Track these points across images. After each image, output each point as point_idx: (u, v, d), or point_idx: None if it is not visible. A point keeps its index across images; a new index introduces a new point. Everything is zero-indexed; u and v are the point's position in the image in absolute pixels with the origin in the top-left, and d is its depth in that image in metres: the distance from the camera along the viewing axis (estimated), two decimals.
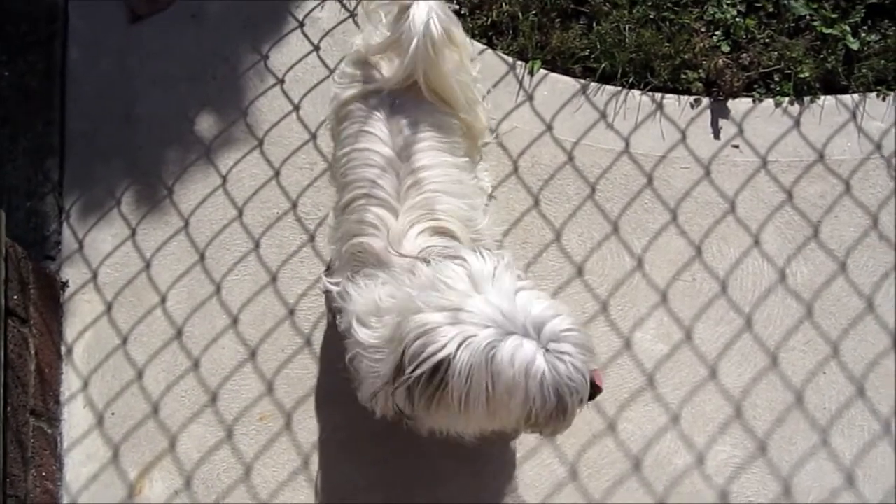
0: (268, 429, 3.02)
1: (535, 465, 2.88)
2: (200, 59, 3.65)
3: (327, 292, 3.01)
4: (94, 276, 3.32)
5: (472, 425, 2.19)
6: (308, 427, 3.00)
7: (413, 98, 2.46)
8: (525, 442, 2.90)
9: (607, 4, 3.47)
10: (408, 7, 2.36)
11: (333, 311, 2.53)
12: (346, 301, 2.31)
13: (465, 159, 2.55)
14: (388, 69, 2.50)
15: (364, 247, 2.34)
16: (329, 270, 3.04)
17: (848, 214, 3.12)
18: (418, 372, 1.93)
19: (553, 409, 1.94)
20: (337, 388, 2.93)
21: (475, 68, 2.72)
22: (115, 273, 3.32)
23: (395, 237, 2.29)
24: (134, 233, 3.37)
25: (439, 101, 2.49)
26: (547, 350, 1.89)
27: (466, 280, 1.97)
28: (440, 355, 1.90)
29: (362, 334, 2.19)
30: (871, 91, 3.30)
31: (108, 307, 3.27)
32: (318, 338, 3.10)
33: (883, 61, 3.31)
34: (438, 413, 2.06)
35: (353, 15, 3.57)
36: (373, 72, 2.51)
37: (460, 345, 1.88)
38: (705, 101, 3.33)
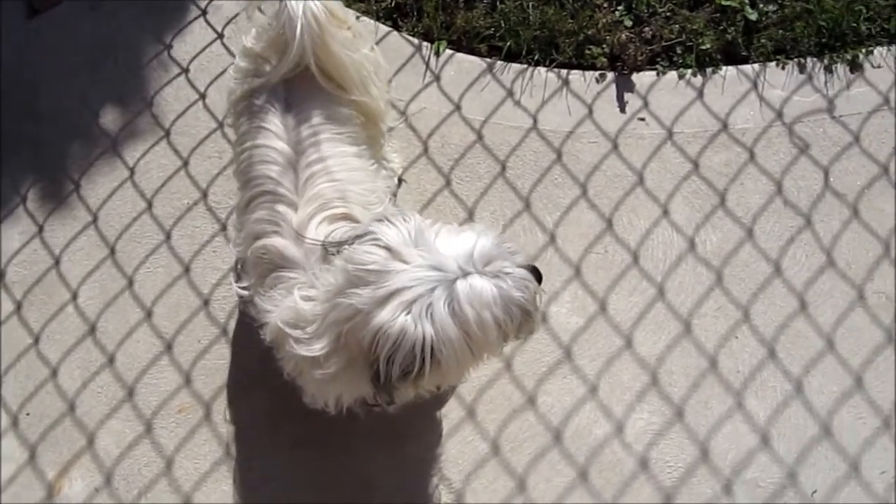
0: (187, 421, 2.99)
1: (458, 442, 2.89)
2: (102, 50, 3.60)
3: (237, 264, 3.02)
4: (2, 275, 3.26)
5: (462, 373, 2.23)
6: (227, 417, 2.98)
7: (307, 88, 2.44)
8: (448, 418, 2.92)
9: None
10: None
11: (248, 313, 2.52)
12: (265, 317, 2.30)
13: (363, 147, 2.53)
14: (278, 60, 2.46)
15: (267, 248, 2.33)
16: (237, 273, 3.03)
17: (753, 182, 3.17)
18: (410, 367, 1.95)
19: (520, 318, 2.02)
20: (255, 375, 2.93)
21: (367, 45, 2.67)
22: (24, 271, 3.26)
23: (296, 233, 2.29)
24: (41, 229, 3.31)
25: (332, 84, 2.47)
26: (487, 275, 1.94)
27: (388, 255, 1.97)
28: (418, 345, 1.92)
29: (299, 349, 2.17)
30: (771, 60, 3.36)
31: (18, 306, 3.21)
32: (233, 326, 3.08)
33: (781, 31, 3.37)
34: (431, 382, 2.13)
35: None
36: (265, 65, 2.49)
37: (425, 321, 1.91)
38: (610, 75, 3.37)
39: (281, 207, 2.33)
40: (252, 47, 2.54)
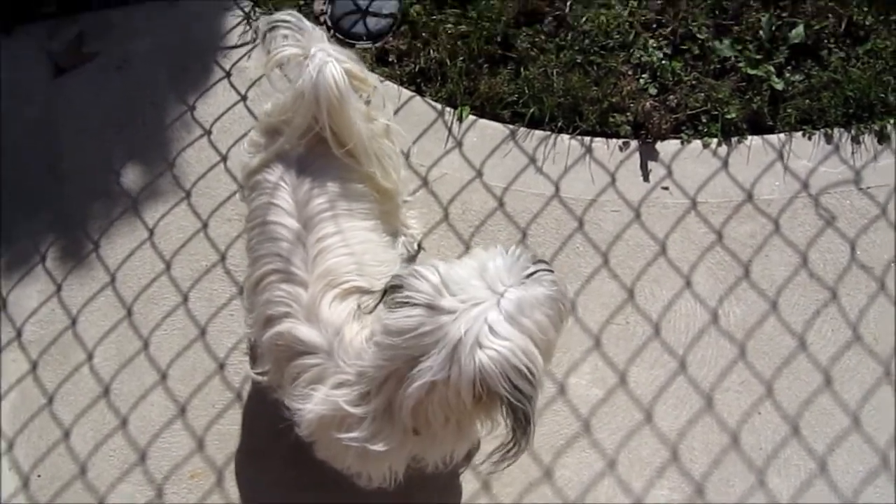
0: (199, 487, 2.95)
1: None
2: (126, 110, 3.62)
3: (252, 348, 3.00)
4: (19, 333, 3.25)
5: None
6: (240, 483, 2.94)
7: (320, 163, 2.43)
8: (464, 492, 2.86)
9: (534, 49, 3.48)
10: (306, 58, 2.37)
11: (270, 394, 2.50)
12: (298, 415, 2.24)
13: (376, 222, 2.51)
14: (292, 125, 2.45)
15: (282, 335, 2.29)
16: (252, 356, 3.03)
17: (778, 253, 3.13)
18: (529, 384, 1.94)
19: (560, 308, 2.04)
20: (269, 441, 2.88)
21: (385, 115, 2.68)
22: (41, 330, 3.25)
23: (310, 314, 2.26)
24: (59, 289, 3.30)
25: (345, 153, 2.45)
26: (518, 286, 1.95)
27: (430, 312, 1.94)
28: (516, 361, 1.91)
29: (353, 441, 2.14)
30: (797, 130, 3.33)
31: (34, 366, 3.19)
32: (248, 391, 3.05)
33: (807, 101, 3.34)
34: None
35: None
36: (279, 137, 2.48)
37: (501, 342, 1.90)
38: (634, 143, 3.35)
39: (291, 287, 2.29)
40: (268, 119, 2.53)
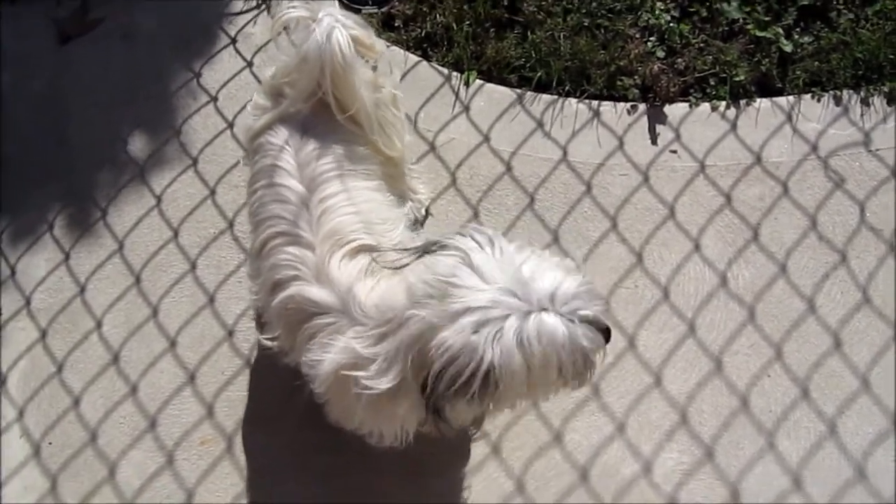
0: (209, 453, 2.96)
1: (482, 479, 2.84)
2: (132, 78, 3.60)
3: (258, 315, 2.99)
4: (28, 302, 3.26)
5: (510, 404, 2.20)
6: (250, 449, 2.95)
7: (324, 126, 2.41)
8: (473, 454, 2.87)
9: (541, 13, 3.45)
10: (314, 22, 2.34)
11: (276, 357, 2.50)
12: (314, 368, 2.20)
13: (378, 182, 2.48)
14: (296, 88, 2.43)
15: (293, 297, 2.26)
16: (259, 322, 3.03)
17: (787, 216, 3.12)
18: (461, 386, 1.90)
19: (581, 367, 1.96)
20: (277, 408, 2.89)
21: (391, 83, 2.66)
22: (50, 299, 3.25)
23: (319, 275, 2.23)
24: (68, 257, 3.30)
25: (351, 122, 2.43)
26: (563, 315, 1.88)
27: (470, 272, 1.92)
28: (474, 364, 1.87)
29: (367, 389, 2.09)
30: (806, 93, 3.31)
31: (43, 334, 3.20)
32: (256, 357, 3.05)
33: (816, 63, 3.32)
34: (480, 406, 2.05)
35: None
36: (283, 100, 2.46)
37: (491, 345, 1.85)
38: (642, 107, 3.33)
39: (297, 250, 2.26)
40: (272, 81, 2.52)
